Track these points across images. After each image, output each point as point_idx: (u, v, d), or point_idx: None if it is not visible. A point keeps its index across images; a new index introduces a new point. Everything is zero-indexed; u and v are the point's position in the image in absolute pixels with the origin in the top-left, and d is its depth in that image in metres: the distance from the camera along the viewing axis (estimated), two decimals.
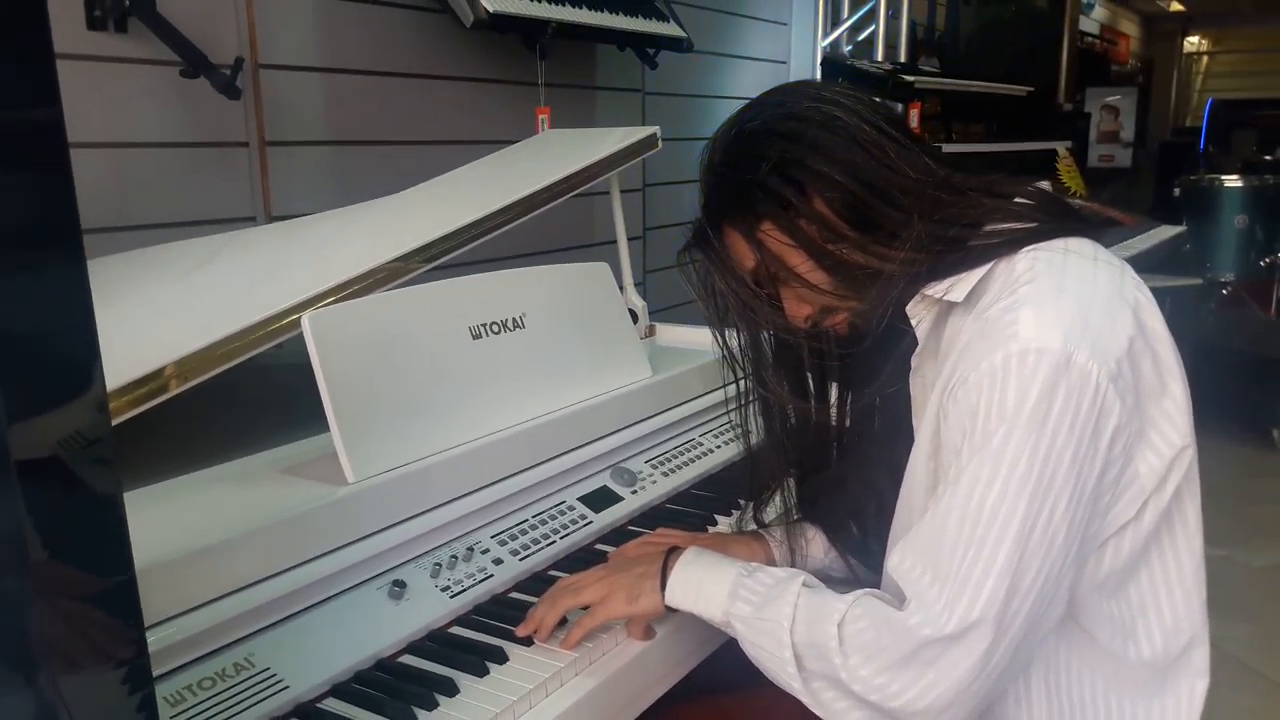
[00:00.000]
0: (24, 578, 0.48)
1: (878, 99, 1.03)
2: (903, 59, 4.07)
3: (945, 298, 0.94)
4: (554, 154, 1.77)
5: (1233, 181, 4.65)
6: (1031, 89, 3.98)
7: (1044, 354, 0.81)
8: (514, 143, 1.90)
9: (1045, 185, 1.02)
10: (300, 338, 1.06)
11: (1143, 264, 2.58)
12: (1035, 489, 0.81)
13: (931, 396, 0.93)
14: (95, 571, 0.54)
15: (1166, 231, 2.91)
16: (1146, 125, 8.37)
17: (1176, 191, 4.70)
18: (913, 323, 0.98)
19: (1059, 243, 0.92)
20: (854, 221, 0.94)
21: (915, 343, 0.99)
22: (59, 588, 0.51)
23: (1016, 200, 0.97)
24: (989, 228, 0.94)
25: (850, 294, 0.97)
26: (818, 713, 0.89)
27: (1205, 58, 12.21)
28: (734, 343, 1.09)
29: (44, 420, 0.48)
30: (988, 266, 0.92)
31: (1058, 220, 0.95)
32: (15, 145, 0.47)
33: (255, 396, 1.36)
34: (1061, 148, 3.62)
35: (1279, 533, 3.21)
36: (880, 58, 3.88)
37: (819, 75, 3.75)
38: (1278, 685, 2.32)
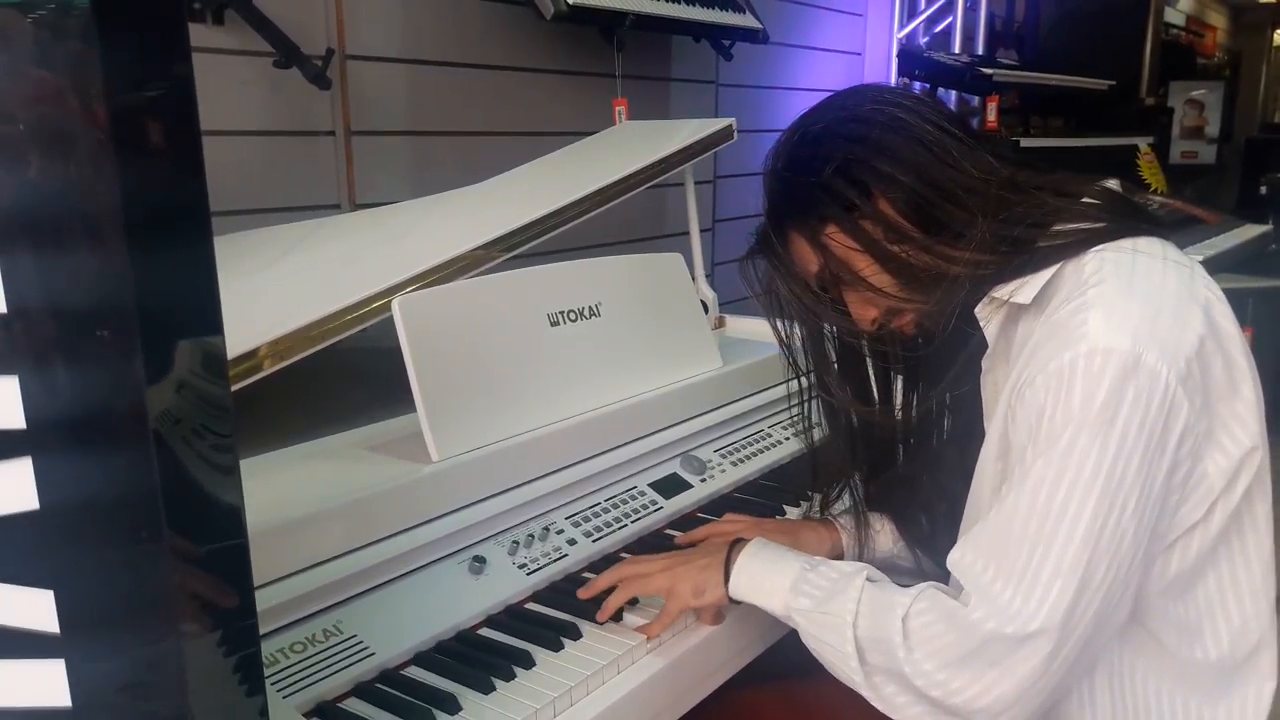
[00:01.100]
0: (156, 539, 0.52)
1: (937, 100, 1.03)
2: (980, 51, 4.02)
3: (1013, 299, 0.94)
4: (630, 146, 1.80)
5: None
6: (1113, 82, 3.90)
7: (1112, 354, 0.81)
8: (592, 133, 1.94)
9: (1113, 183, 1.01)
10: (384, 323, 1.10)
11: (1226, 264, 2.52)
12: (1104, 489, 0.81)
13: (1001, 398, 0.94)
14: (215, 535, 0.58)
15: (1252, 230, 2.82)
16: (1233, 121, 8.10)
17: (1263, 189, 4.56)
18: (981, 324, 0.98)
19: (1127, 242, 0.91)
20: (919, 222, 0.95)
21: (984, 345, 1.00)
22: (184, 548, 0.55)
23: (1083, 200, 0.97)
24: (1056, 228, 0.94)
25: (916, 296, 0.97)
26: (879, 707, 0.90)
27: None
28: (797, 343, 1.10)
29: (176, 391, 0.52)
30: (1055, 268, 0.92)
31: (1125, 219, 0.95)
32: (155, 132, 0.51)
33: (341, 377, 1.42)
34: (1143, 143, 3.54)
35: None
36: (958, 50, 3.83)
37: (895, 67, 3.72)
38: None
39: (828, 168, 0.96)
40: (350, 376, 1.42)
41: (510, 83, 2.27)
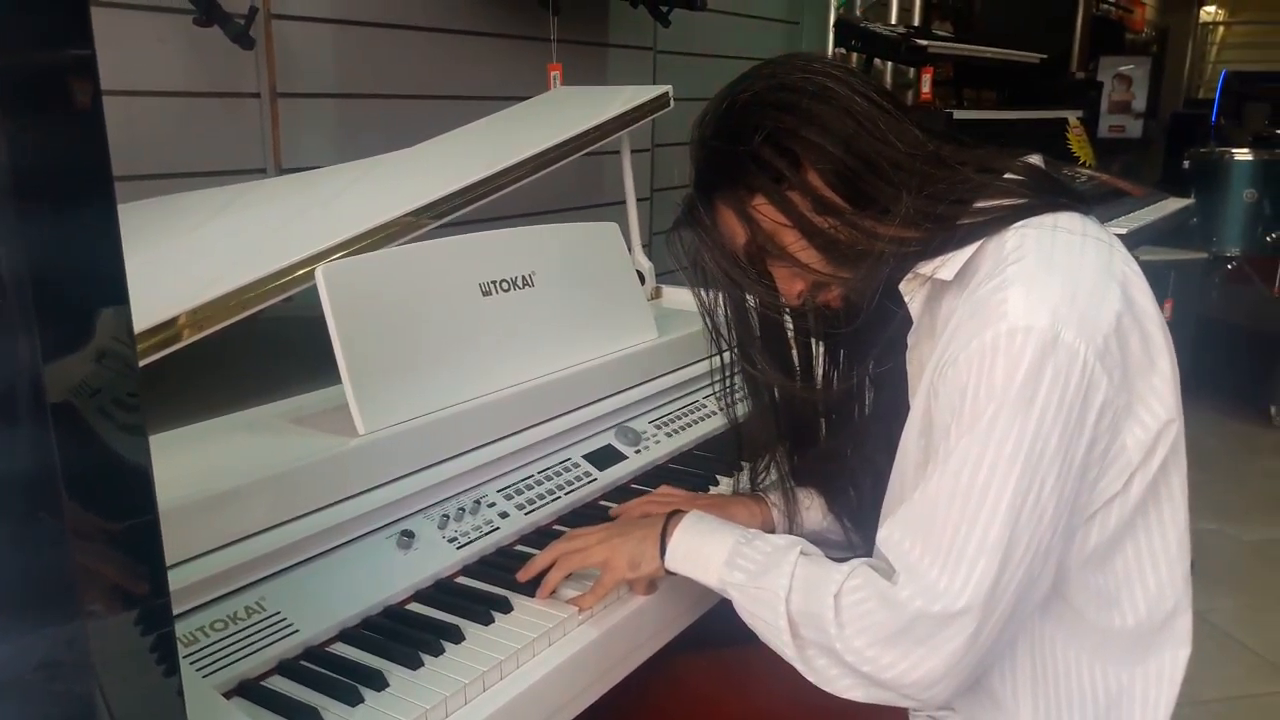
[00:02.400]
0: (57, 517, 0.50)
1: (866, 73, 1.03)
2: (917, 23, 4.04)
3: (936, 276, 0.94)
4: (565, 112, 1.77)
5: (1243, 155, 4.62)
6: (1045, 56, 3.95)
7: (1031, 332, 0.82)
8: (525, 99, 1.90)
9: (1036, 158, 1.02)
10: (310, 291, 1.07)
11: (1149, 236, 2.58)
12: (1025, 466, 0.82)
13: (925, 374, 0.94)
14: (122, 512, 0.55)
15: (1174, 204, 2.90)
16: (1159, 96, 8.29)
17: (1186, 164, 4.68)
18: (905, 300, 0.99)
19: (1048, 219, 0.92)
20: (846, 195, 0.94)
21: (909, 321, 1.00)
22: (88, 527, 0.53)
23: (1006, 175, 0.97)
24: (978, 204, 0.94)
25: (842, 270, 0.97)
26: (811, 679, 0.91)
27: (1220, 28, 12.06)
28: (720, 317, 1.10)
29: (76, 363, 0.50)
30: (977, 244, 0.92)
31: (1047, 195, 0.95)
32: (49, 88, 0.48)
33: (264, 347, 1.38)
34: (1072, 117, 3.60)
35: (1271, 508, 3.24)
36: (894, 20, 3.84)
37: (832, 37, 3.72)
38: (1262, 657, 2.36)
39: (757, 136, 0.95)
40: (276, 346, 1.38)
41: (443, 45, 2.22)
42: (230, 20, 1.75)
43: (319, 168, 1.67)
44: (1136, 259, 0.97)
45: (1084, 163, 3.46)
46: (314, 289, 1.06)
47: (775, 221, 0.96)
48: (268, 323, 1.15)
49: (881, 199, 0.94)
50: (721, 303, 1.09)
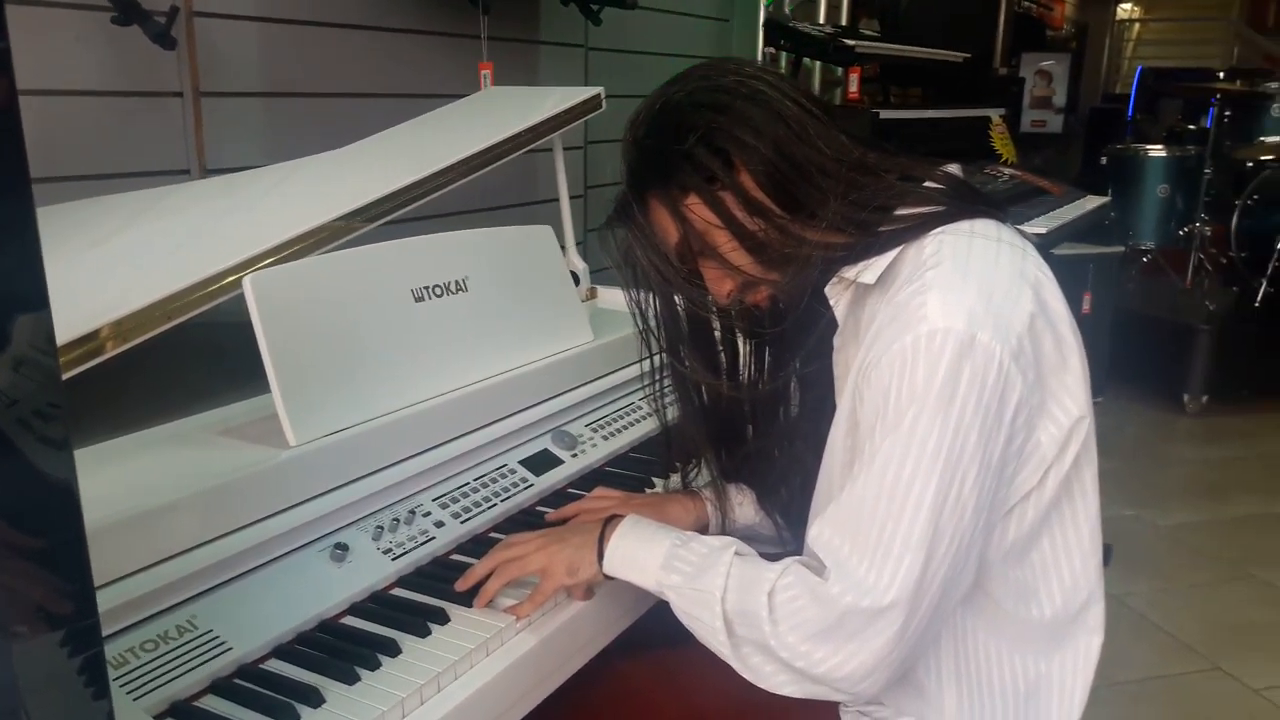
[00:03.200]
0: None
1: (796, 79, 1.06)
2: (844, 21, 4.09)
3: (859, 280, 0.97)
4: (497, 113, 1.77)
5: (1156, 151, 4.79)
6: (969, 55, 4.03)
7: (949, 335, 0.85)
8: (456, 97, 1.89)
9: (954, 168, 1.06)
10: (238, 298, 1.05)
11: (1068, 234, 2.66)
12: (946, 464, 0.85)
13: (850, 376, 0.97)
14: (47, 529, 0.54)
15: (1092, 202, 2.99)
16: (1079, 91, 8.52)
17: (1104, 160, 4.83)
18: (831, 303, 1.01)
19: (965, 225, 0.96)
20: (776, 198, 0.97)
21: (834, 324, 1.03)
22: (12, 545, 0.52)
23: (926, 184, 1.01)
24: (899, 211, 0.97)
25: (771, 272, 1.00)
26: (746, 676, 0.93)
27: (1136, 25, 12.45)
28: (651, 316, 1.11)
29: None
30: (898, 250, 0.95)
31: (965, 203, 0.99)
32: None
33: (188, 356, 1.35)
34: (995, 114, 3.69)
35: (1187, 494, 3.37)
36: (823, 19, 3.89)
37: (762, 35, 3.76)
38: (1175, 638, 2.45)
39: (692, 136, 0.97)
40: (202, 355, 1.35)
41: (372, 43, 2.19)
42: (150, 19, 1.70)
43: (245, 169, 1.64)
44: (1055, 253, 1.01)
45: (1006, 160, 3.55)
46: (242, 296, 1.05)
47: (707, 221, 0.98)
48: (191, 330, 1.13)
49: (809, 203, 0.96)
50: (652, 301, 1.10)
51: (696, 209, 0.98)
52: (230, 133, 1.95)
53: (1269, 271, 4.17)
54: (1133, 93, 9.05)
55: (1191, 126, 5.82)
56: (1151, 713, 2.16)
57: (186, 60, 1.84)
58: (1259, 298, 4.21)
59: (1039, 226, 2.42)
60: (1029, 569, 0.97)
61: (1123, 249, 4.37)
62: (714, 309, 1.07)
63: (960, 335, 0.85)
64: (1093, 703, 1.01)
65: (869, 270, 0.96)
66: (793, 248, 0.96)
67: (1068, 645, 1.00)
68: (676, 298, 1.07)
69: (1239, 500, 3.32)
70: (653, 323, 1.12)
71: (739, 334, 1.16)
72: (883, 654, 0.86)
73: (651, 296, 1.10)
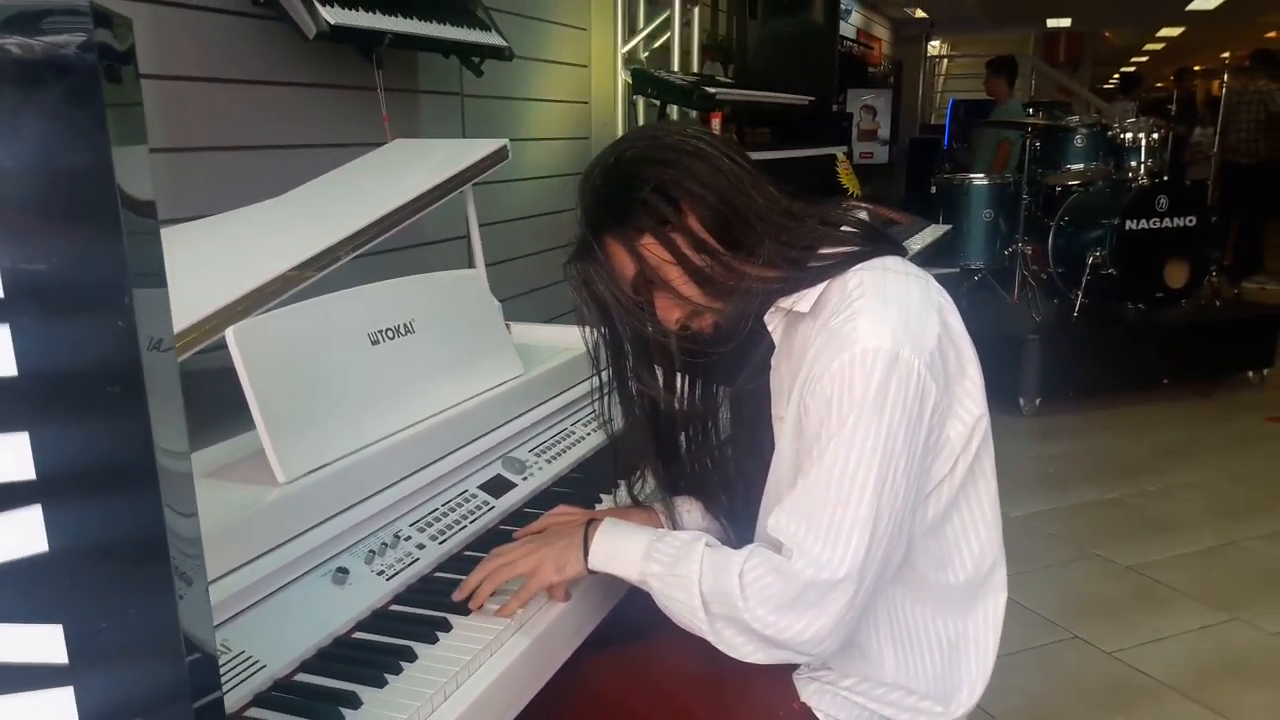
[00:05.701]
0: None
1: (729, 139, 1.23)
2: (695, 68, 4.35)
3: (794, 309, 1.15)
4: (410, 166, 1.87)
5: (979, 180, 5.28)
6: (813, 98, 4.36)
7: (879, 353, 1.03)
8: (357, 145, 1.97)
9: (864, 214, 1.25)
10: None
11: (920, 260, 2.94)
12: (882, 457, 1.02)
13: (793, 392, 1.13)
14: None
15: (938, 230, 3.33)
16: (899, 123, 9.17)
17: (934, 189, 5.27)
18: (769, 329, 1.18)
19: (878, 261, 1.14)
20: (720, 238, 1.13)
21: (771, 346, 1.20)
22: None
23: (843, 228, 1.19)
24: (823, 250, 1.15)
25: (716, 302, 1.16)
26: (720, 649, 1.07)
27: (945, 60, 13.47)
28: (603, 341, 1.25)
29: None
30: (825, 284, 1.13)
31: (876, 243, 1.18)
32: None
33: None
34: (839, 152, 4.01)
35: (1031, 486, 3.72)
36: (676, 66, 4.14)
37: (622, 81, 3.96)
38: (1038, 614, 2.75)
39: (645, 186, 1.12)
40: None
41: (273, 97, 2.24)
42: None
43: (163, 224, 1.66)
44: None
45: (852, 194, 3.86)
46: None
47: (660, 258, 1.13)
48: None
49: (748, 243, 1.13)
50: (604, 328, 1.23)
51: (651, 247, 1.13)
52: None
53: (1082, 285, 4.66)
54: (946, 124, 9.81)
55: None
56: (1024, 681, 2.42)
57: None
58: (1076, 308, 4.70)
59: None
60: (945, 541, 1.15)
61: (957, 269, 4.78)
62: (664, 334, 1.21)
63: (887, 353, 1.02)
64: None
65: (803, 300, 1.13)
66: (735, 281, 1.13)
67: (979, 604, 1.19)
68: (630, 323, 1.21)
69: (1078, 489, 3.70)
70: (602, 346, 1.25)
71: (684, 356, 1.30)
72: (838, 618, 1.02)
73: (604, 325, 1.23)
